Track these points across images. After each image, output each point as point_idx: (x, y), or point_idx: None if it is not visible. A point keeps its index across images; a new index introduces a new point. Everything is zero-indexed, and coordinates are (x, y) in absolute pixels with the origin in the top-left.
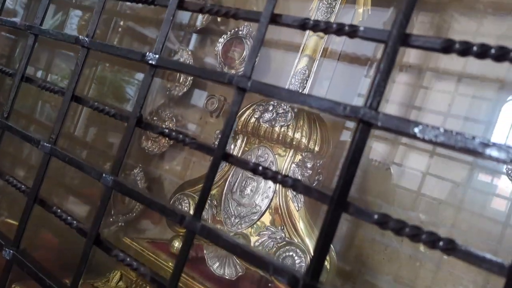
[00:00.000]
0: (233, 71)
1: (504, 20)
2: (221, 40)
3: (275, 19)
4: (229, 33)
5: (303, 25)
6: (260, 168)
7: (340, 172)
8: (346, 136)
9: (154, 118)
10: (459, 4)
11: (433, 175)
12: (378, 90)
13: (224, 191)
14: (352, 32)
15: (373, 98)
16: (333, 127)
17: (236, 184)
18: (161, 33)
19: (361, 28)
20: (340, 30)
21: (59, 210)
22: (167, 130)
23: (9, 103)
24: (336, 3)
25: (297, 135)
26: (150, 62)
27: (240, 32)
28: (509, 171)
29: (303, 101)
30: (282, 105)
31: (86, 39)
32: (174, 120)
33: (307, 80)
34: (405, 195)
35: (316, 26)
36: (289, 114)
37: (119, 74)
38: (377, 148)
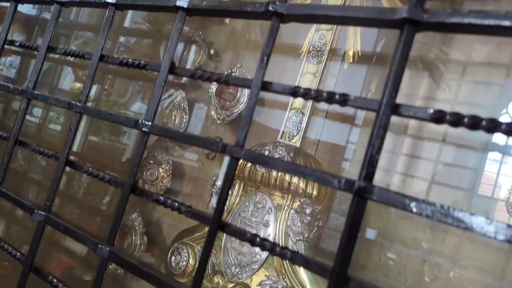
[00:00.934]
0: (228, 112)
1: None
2: (214, 82)
3: (266, 87)
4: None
5: (294, 93)
6: (258, 239)
7: (338, 246)
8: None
9: (151, 161)
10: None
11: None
12: (371, 160)
13: (224, 239)
14: (342, 100)
15: (367, 169)
16: (329, 167)
17: None
18: (154, 99)
19: (351, 97)
20: (330, 98)
21: (55, 280)
22: (162, 198)
23: (2, 168)
24: (326, 48)
25: (295, 180)
26: (144, 129)
27: (233, 74)
28: (509, 207)
29: (300, 173)
30: (278, 149)
31: (79, 104)
32: (171, 163)
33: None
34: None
35: (306, 95)
36: (285, 159)
37: (114, 107)
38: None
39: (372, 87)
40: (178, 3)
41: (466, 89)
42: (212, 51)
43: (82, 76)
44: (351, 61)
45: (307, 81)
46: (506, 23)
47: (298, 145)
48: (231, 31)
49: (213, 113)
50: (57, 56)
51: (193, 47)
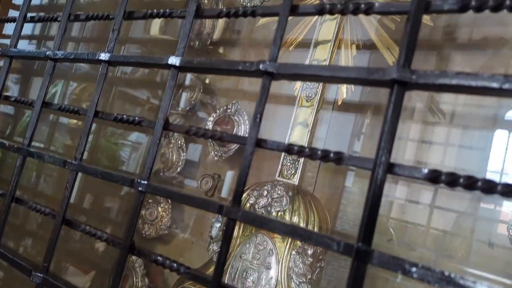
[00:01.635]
0: (225, 149)
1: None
2: (210, 119)
3: (260, 144)
4: (218, 111)
5: (288, 150)
6: None
7: None
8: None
9: (150, 201)
10: None
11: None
12: (370, 220)
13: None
14: (337, 159)
15: (365, 230)
16: (328, 204)
17: (237, 275)
18: (149, 157)
19: (346, 156)
20: (325, 157)
21: None
22: (160, 259)
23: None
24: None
25: (295, 219)
26: (140, 189)
27: (228, 110)
28: (510, 229)
29: (298, 235)
30: (277, 189)
31: (75, 162)
32: (169, 201)
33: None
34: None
35: (300, 152)
36: (284, 199)
37: (111, 138)
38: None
39: (364, 129)
40: (170, 62)
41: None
42: (207, 81)
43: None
44: (345, 96)
45: (300, 123)
46: (494, 85)
47: (296, 182)
48: (220, 89)
49: (210, 149)
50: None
51: (188, 81)
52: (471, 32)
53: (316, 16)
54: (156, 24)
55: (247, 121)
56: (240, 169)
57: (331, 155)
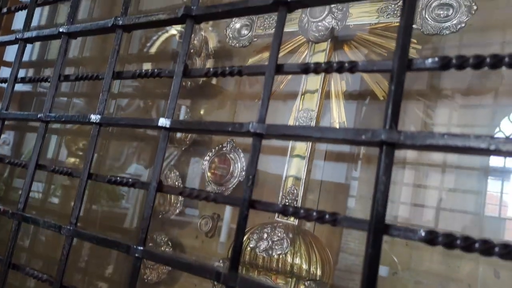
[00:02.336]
0: (223, 188)
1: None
2: (206, 158)
3: (254, 205)
4: (213, 150)
5: (283, 211)
6: None
7: None
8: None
9: (150, 244)
10: None
11: None
12: (369, 285)
13: None
14: (332, 220)
15: None
16: (329, 241)
17: None
18: (143, 222)
19: (341, 217)
20: (321, 218)
21: None
22: None
23: None
24: (313, 117)
25: (297, 260)
26: (136, 255)
27: (224, 148)
28: None
29: None
30: (277, 231)
31: (70, 227)
32: (170, 244)
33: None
34: None
35: (295, 213)
36: (285, 241)
37: (110, 172)
38: None
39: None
40: (160, 124)
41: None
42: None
43: (76, 150)
44: None
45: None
46: (481, 145)
47: (296, 222)
48: (219, 103)
49: (208, 189)
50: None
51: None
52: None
53: (305, 52)
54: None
55: (243, 158)
56: (236, 233)
57: (327, 216)
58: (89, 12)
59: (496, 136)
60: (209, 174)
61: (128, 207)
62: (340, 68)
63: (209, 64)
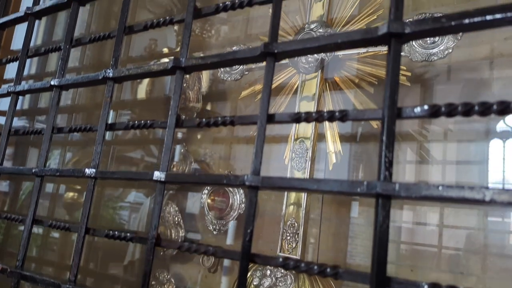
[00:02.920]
0: (223, 221)
1: None
2: (205, 191)
3: (253, 259)
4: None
5: (284, 265)
6: None
7: None
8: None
9: (153, 283)
10: None
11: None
12: None
13: None
14: (334, 274)
15: None
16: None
17: None
18: (143, 282)
19: (341, 270)
20: (322, 272)
21: None
22: None
23: None
24: (309, 147)
25: None
26: None
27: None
28: None
29: None
30: (279, 268)
31: (69, 286)
32: (173, 281)
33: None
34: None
35: (296, 267)
36: (289, 278)
37: (109, 202)
38: None
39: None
40: (155, 177)
41: None
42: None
43: (74, 184)
44: (334, 161)
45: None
46: (476, 196)
47: (299, 256)
48: (214, 138)
49: (208, 224)
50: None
51: (177, 156)
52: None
53: (297, 83)
54: (143, 87)
55: (241, 190)
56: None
57: (328, 270)
58: (81, 54)
59: (490, 187)
60: (208, 208)
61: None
62: (331, 117)
63: (204, 81)
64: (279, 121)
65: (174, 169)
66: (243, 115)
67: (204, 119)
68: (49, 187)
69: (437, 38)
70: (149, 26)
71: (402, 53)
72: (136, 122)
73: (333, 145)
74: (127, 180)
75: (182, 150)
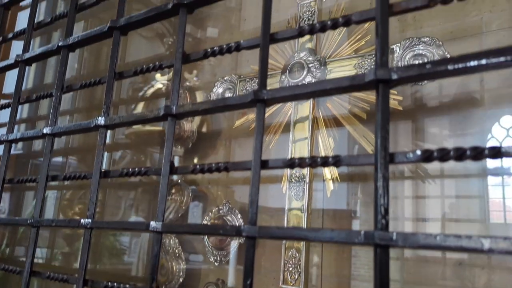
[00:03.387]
0: (224, 252)
1: None
2: (204, 222)
3: None
4: (210, 213)
5: None
6: None
7: None
8: None
9: None
10: None
11: None
12: None
13: None
14: None
15: None
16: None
17: None
18: None
19: None
20: None
21: None
22: None
23: None
24: (306, 175)
25: None
26: None
27: (221, 211)
28: None
29: None
30: None
31: None
32: None
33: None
34: None
35: None
36: None
37: (110, 233)
38: None
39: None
40: (152, 227)
41: None
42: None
43: (72, 215)
44: (332, 188)
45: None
46: (475, 245)
47: (302, 285)
48: (213, 150)
49: (209, 255)
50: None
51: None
52: (441, 97)
53: (290, 111)
54: (138, 110)
55: (240, 220)
56: None
57: None
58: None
59: (488, 236)
60: (208, 238)
61: (132, 261)
62: (325, 163)
63: (196, 124)
64: (273, 166)
65: (173, 204)
66: (236, 162)
67: (198, 166)
68: (48, 215)
69: (426, 61)
70: (139, 72)
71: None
72: (131, 169)
73: (330, 173)
74: (123, 230)
75: (179, 181)
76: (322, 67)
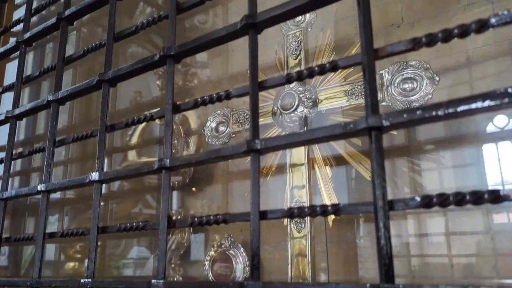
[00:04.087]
0: None
1: None
2: (207, 258)
3: None
4: (213, 248)
5: None
6: None
7: None
8: None
9: None
10: None
11: None
12: None
13: None
14: None
15: None
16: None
17: None
18: None
19: None
20: None
21: None
22: None
23: None
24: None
25: None
26: None
27: (223, 245)
28: None
29: None
30: None
31: None
32: None
33: None
34: None
35: None
36: None
37: (111, 262)
38: None
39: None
40: (153, 286)
41: None
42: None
43: (74, 254)
44: (334, 217)
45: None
46: None
47: None
48: (210, 195)
49: None
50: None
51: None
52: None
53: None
54: (134, 138)
55: (244, 253)
56: None
57: None
58: (69, 115)
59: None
60: (212, 275)
61: None
62: (324, 212)
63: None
64: (272, 217)
65: (174, 236)
66: (234, 213)
67: (196, 219)
68: (49, 255)
69: (415, 85)
70: (130, 123)
71: (383, 103)
72: (128, 224)
73: (329, 201)
74: (120, 285)
75: (179, 217)
76: (313, 96)
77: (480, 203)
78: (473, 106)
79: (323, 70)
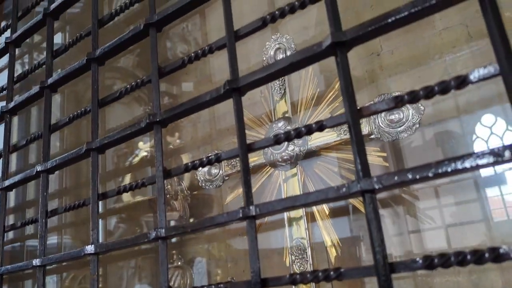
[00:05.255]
0: None
1: None
2: None
3: None
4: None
5: None
6: None
7: None
8: None
9: None
10: None
11: None
12: None
13: None
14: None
15: None
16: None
17: None
18: None
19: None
20: None
21: None
22: None
23: None
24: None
25: None
26: None
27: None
28: None
29: None
30: None
31: None
32: None
33: None
34: None
35: None
36: None
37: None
38: None
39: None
40: None
41: None
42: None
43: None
44: (335, 254)
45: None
46: None
47: None
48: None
49: None
50: None
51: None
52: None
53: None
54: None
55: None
56: None
57: None
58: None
59: None
60: None
61: None
62: (326, 277)
63: (188, 203)
64: (273, 285)
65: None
66: (235, 282)
67: None
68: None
69: (402, 116)
70: (122, 191)
71: (372, 136)
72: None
73: (329, 238)
74: None
75: (179, 263)
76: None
77: (481, 263)
78: (459, 166)
79: (310, 130)
